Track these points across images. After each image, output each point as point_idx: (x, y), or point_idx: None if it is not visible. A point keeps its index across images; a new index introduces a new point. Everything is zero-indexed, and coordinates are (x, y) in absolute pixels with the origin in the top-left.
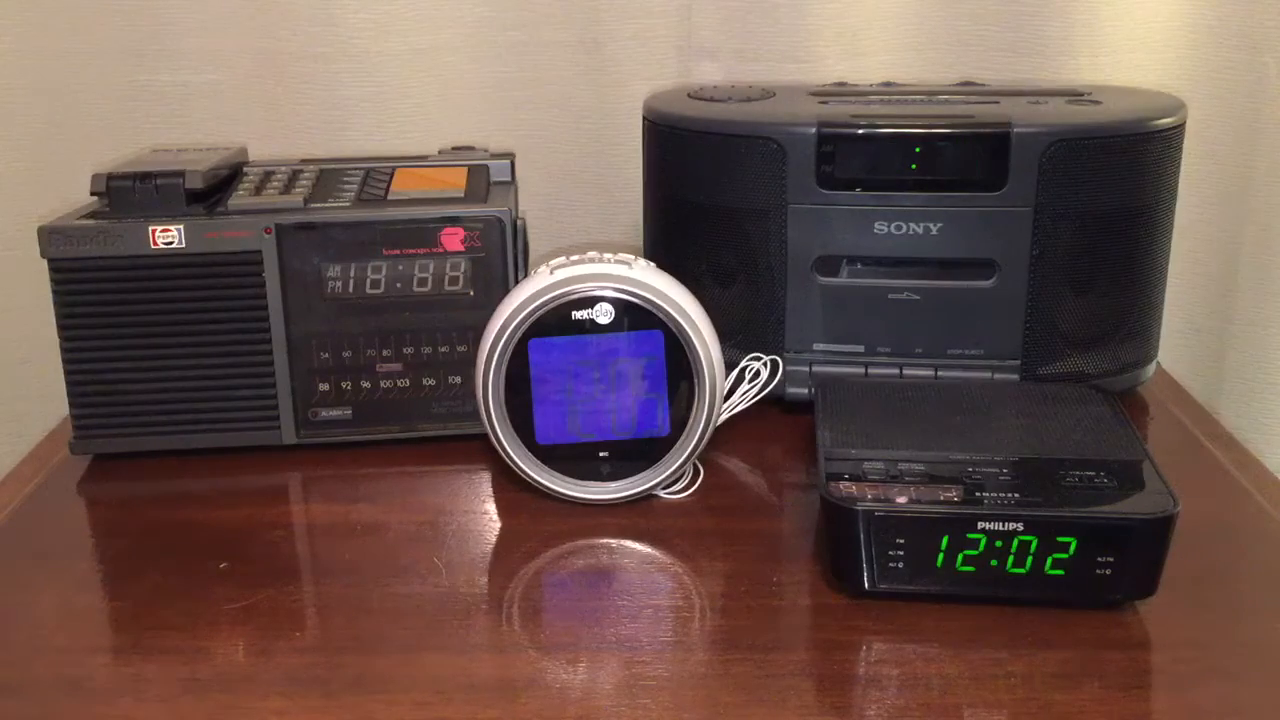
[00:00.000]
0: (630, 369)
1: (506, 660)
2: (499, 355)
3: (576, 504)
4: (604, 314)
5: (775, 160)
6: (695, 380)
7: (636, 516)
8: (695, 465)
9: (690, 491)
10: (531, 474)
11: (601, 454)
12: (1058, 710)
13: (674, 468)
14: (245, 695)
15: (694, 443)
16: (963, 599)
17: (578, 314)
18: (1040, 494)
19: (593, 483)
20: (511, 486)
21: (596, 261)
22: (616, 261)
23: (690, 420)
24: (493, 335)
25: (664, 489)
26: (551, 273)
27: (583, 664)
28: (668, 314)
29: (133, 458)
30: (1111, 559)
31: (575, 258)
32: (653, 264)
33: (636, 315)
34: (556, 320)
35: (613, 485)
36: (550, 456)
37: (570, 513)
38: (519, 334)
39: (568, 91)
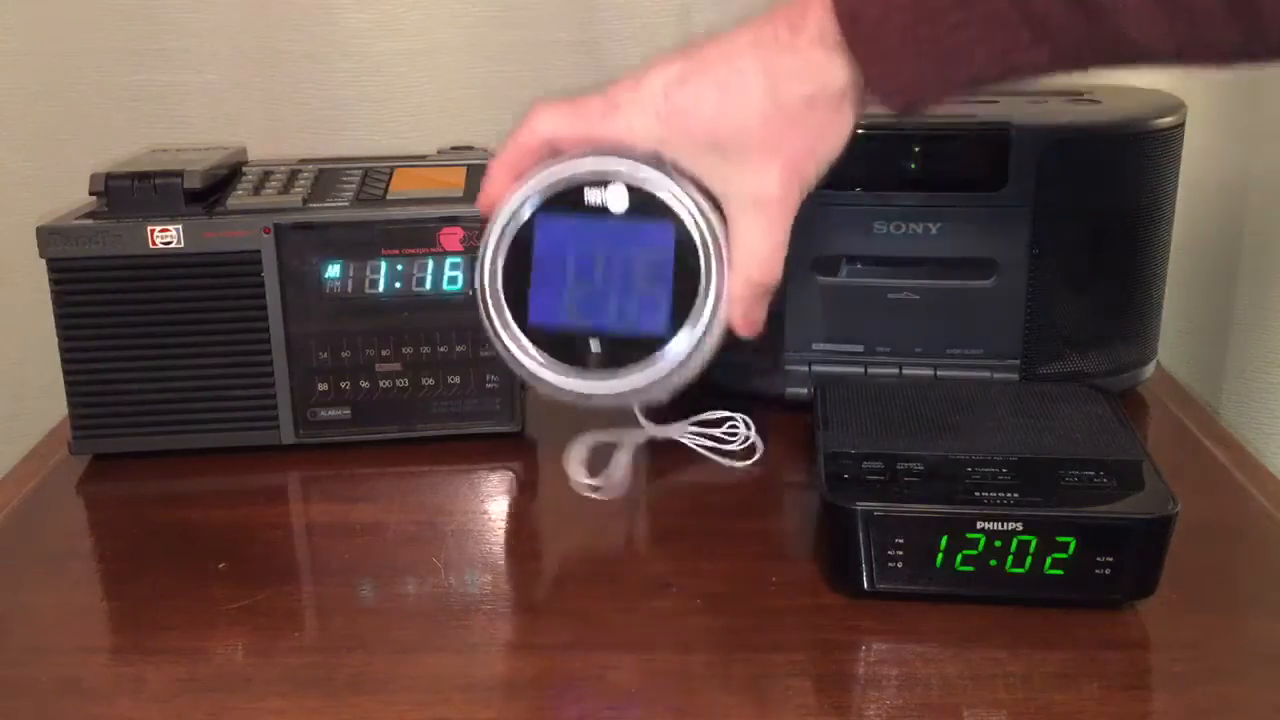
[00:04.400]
0: (639, 259)
1: (505, 660)
2: (507, 227)
3: (560, 399)
4: (619, 200)
5: None
6: (703, 284)
7: (636, 516)
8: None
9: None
10: (516, 354)
11: (594, 344)
12: (1057, 710)
13: (667, 372)
14: (244, 695)
15: (692, 350)
16: (962, 599)
17: (592, 197)
18: (1040, 494)
19: (581, 371)
20: (510, 486)
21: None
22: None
23: (692, 325)
24: (506, 206)
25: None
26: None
27: (581, 664)
28: (686, 210)
29: (132, 458)
30: (1111, 559)
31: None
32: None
33: (651, 207)
34: (570, 201)
35: (600, 376)
36: (540, 339)
37: (570, 513)
38: (530, 208)
39: (568, 91)
